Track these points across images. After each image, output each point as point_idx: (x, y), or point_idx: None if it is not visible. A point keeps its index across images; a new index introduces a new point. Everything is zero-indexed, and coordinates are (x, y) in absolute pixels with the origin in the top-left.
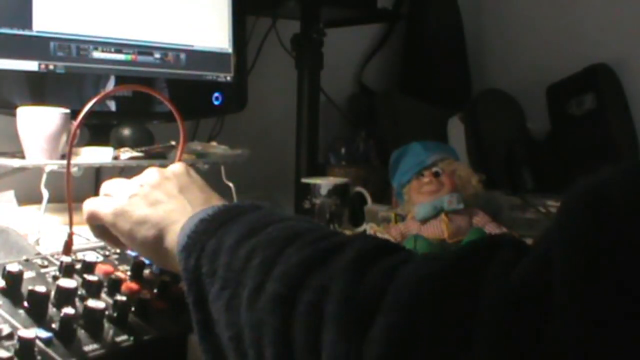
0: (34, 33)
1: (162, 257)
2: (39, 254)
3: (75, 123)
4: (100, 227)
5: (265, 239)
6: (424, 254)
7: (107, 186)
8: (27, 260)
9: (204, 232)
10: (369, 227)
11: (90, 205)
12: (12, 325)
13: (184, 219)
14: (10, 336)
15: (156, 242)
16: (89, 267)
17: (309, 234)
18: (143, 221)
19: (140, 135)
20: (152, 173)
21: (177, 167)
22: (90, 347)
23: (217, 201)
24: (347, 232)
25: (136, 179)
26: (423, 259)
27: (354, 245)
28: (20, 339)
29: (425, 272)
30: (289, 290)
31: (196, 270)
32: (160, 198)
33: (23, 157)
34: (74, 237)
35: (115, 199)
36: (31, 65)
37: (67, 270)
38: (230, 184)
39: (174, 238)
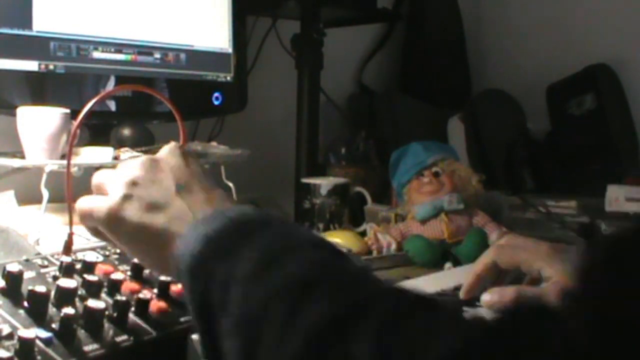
0: (34, 33)
1: (162, 267)
2: (39, 254)
3: (75, 123)
4: (95, 227)
5: (283, 282)
6: (451, 314)
7: (98, 179)
8: (27, 260)
9: (211, 254)
10: (369, 227)
11: (82, 205)
12: (12, 325)
13: (184, 228)
14: (10, 336)
15: (155, 253)
16: (89, 267)
17: (333, 277)
18: (139, 230)
19: (140, 135)
20: (145, 166)
21: (172, 158)
22: (90, 347)
23: (218, 200)
24: (348, 232)
25: (128, 172)
26: (454, 330)
27: (385, 302)
28: (20, 339)
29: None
30: (312, 353)
31: (204, 298)
32: (157, 201)
33: (23, 157)
34: (74, 237)
35: (108, 200)
36: (31, 65)
37: (67, 270)
38: (230, 184)
39: (174, 250)
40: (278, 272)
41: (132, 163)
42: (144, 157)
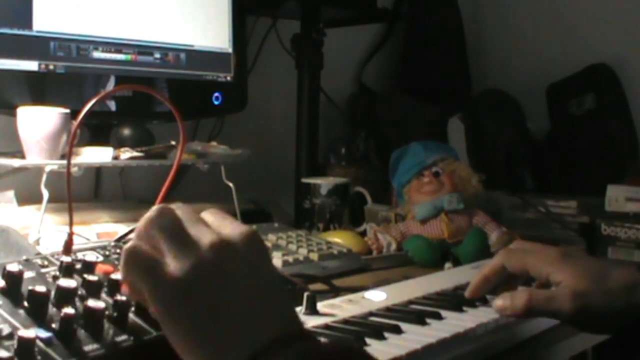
0: (34, 33)
1: None
2: (39, 254)
3: (75, 123)
4: (136, 284)
5: None
6: None
7: (159, 232)
8: (27, 260)
9: None
10: (369, 227)
11: (136, 259)
12: (12, 325)
13: (245, 346)
14: (10, 336)
15: (195, 351)
16: (89, 267)
17: None
18: (195, 330)
19: (140, 135)
20: (221, 253)
21: (249, 252)
22: (90, 347)
23: (284, 318)
24: (348, 232)
25: (201, 252)
26: None
27: None
28: (20, 339)
29: None
30: None
31: None
32: (223, 303)
33: (23, 157)
34: (74, 237)
35: (172, 276)
36: (31, 65)
37: (67, 270)
38: (230, 184)
39: None
40: None
41: (204, 237)
42: (217, 239)
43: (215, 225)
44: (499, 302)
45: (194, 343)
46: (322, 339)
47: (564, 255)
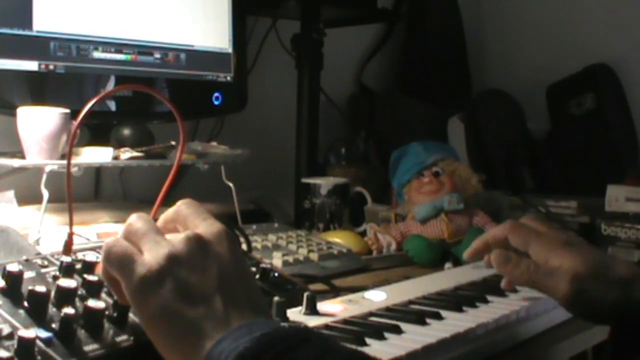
0: (34, 33)
1: (176, 358)
2: (39, 254)
3: (75, 123)
4: (113, 277)
5: None
6: None
7: (136, 228)
8: (27, 260)
9: None
10: (369, 227)
11: (114, 250)
12: (12, 325)
13: (215, 335)
14: (10, 336)
15: (174, 343)
16: (89, 267)
17: None
18: (167, 316)
19: (140, 135)
20: (192, 245)
21: (222, 246)
22: (90, 347)
23: (254, 309)
24: (348, 232)
25: (173, 245)
26: None
27: None
28: (20, 339)
29: None
30: None
31: None
32: (195, 292)
33: (23, 157)
34: (74, 237)
35: (143, 266)
36: (31, 65)
37: (67, 270)
38: (230, 184)
39: (199, 355)
40: None
41: (180, 238)
42: (191, 234)
43: (189, 221)
44: (502, 257)
45: (166, 331)
46: (284, 324)
47: (567, 243)
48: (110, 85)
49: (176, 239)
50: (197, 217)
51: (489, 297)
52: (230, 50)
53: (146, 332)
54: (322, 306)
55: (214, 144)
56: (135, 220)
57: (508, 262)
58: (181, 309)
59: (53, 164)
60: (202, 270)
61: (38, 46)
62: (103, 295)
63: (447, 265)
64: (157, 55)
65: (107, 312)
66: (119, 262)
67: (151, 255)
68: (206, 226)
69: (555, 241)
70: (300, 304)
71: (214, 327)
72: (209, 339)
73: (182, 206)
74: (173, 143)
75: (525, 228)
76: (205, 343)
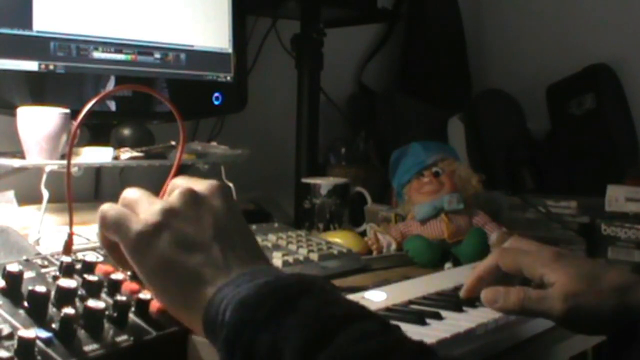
0: (34, 33)
1: (180, 309)
2: (39, 254)
3: (75, 123)
4: (112, 243)
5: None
6: None
7: (131, 195)
8: (27, 260)
9: (249, 322)
10: (369, 227)
11: (109, 213)
12: (12, 325)
13: (216, 281)
14: (10, 336)
15: (177, 293)
16: (89, 267)
17: (391, 352)
18: (167, 266)
19: (140, 135)
20: (186, 198)
21: (216, 198)
22: (90, 347)
23: (255, 254)
24: (348, 232)
25: (168, 200)
26: None
27: None
28: (20, 339)
29: None
30: None
31: None
32: (194, 239)
33: (23, 157)
34: (74, 237)
35: (140, 222)
36: (31, 65)
37: (67, 270)
38: (230, 184)
39: (201, 303)
40: (330, 344)
41: (174, 195)
42: (185, 189)
43: (185, 183)
44: (490, 294)
45: (167, 282)
46: (288, 272)
47: (558, 256)
48: (110, 85)
49: (172, 196)
50: (195, 180)
51: None
52: (230, 50)
53: (148, 288)
54: None
55: (214, 144)
56: (129, 190)
57: (497, 299)
58: (180, 257)
59: (53, 164)
60: (197, 220)
61: (38, 46)
62: (103, 295)
63: (447, 265)
64: (157, 56)
65: (107, 312)
66: (115, 222)
67: (147, 212)
68: (201, 183)
69: (546, 256)
70: None
71: (214, 274)
72: (210, 285)
73: (177, 179)
74: (173, 143)
75: (512, 251)
76: (207, 290)
